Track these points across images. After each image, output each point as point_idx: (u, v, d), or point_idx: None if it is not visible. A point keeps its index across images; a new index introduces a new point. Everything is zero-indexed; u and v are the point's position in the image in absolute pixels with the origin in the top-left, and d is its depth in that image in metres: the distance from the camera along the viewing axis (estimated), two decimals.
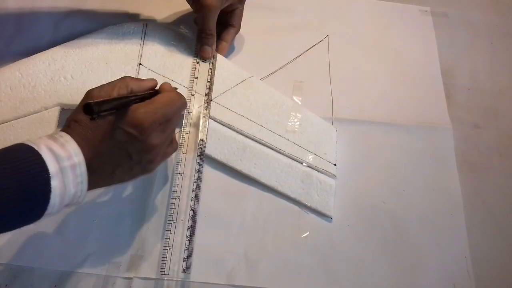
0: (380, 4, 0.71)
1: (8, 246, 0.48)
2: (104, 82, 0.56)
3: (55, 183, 0.36)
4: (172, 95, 0.45)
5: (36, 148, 0.36)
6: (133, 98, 0.42)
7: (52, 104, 0.55)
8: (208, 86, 0.58)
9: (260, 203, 0.53)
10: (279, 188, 0.53)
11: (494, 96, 0.64)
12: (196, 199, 0.51)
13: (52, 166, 0.36)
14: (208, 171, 0.54)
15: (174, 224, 0.50)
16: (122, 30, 0.61)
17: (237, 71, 0.60)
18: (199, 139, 0.54)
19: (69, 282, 0.47)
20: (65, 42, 0.60)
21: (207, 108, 0.56)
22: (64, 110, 0.55)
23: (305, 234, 0.51)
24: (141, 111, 0.41)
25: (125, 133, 0.40)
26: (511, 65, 0.67)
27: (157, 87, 0.47)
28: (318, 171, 0.54)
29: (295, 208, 0.53)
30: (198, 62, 0.60)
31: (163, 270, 0.47)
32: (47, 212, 0.37)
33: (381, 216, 0.53)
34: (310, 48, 0.65)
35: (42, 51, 0.58)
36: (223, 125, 0.55)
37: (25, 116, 0.54)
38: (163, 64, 0.59)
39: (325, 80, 0.62)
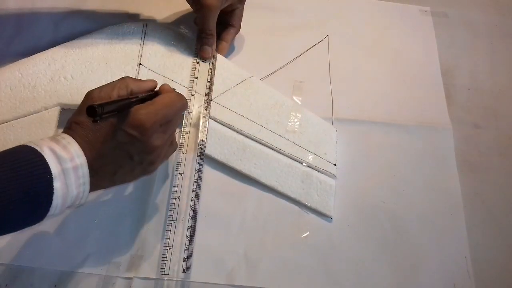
0: (380, 4, 0.71)
1: (8, 246, 0.48)
2: (104, 82, 0.56)
3: (57, 184, 0.37)
4: (172, 96, 0.45)
5: (38, 149, 0.37)
6: (134, 100, 0.42)
7: (52, 104, 0.55)
8: (208, 86, 0.58)
9: (260, 203, 0.53)
10: (279, 188, 0.53)
11: (494, 96, 0.64)
12: (196, 199, 0.51)
13: (54, 167, 0.36)
14: (208, 171, 0.54)
15: (174, 224, 0.50)
16: (122, 30, 0.61)
17: (237, 71, 0.60)
18: (199, 139, 0.54)
19: (69, 282, 0.47)
20: (65, 42, 0.60)
21: (207, 108, 0.56)
22: (64, 110, 0.55)
23: (305, 234, 0.51)
24: (142, 113, 0.41)
25: (126, 134, 0.41)
26: (511, 65, 0.67)
27: (157, 88, 0.47)
28: (318, 171, 0.54)
29: (295, 208, 0.53)
30: (198, 62, 0.60)
31: (163, 270, 0.47)
32: (49, 213, 0.37)
33: (381, 216, 0.53)
34: (310, 48, 0.65)
35: (42, 51, 0.58)
36: (223, 125, 0.55)
37: (25, 116, 0.54)
38: (163, 64, 0.59)
39: (325, 80, 0.62)
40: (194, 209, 0.51)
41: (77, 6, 0.66)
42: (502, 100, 0.64)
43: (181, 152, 0.53)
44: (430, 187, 0.55)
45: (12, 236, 0.48)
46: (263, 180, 0.53)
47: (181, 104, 0.46)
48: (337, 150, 0.56)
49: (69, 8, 0.66)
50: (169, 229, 0.49)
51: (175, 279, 0.47)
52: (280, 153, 0.55)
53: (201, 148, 0.54)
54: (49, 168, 0.36)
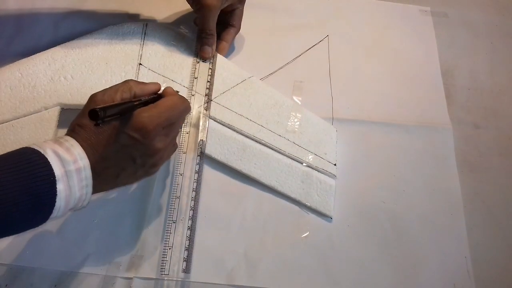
0: (380, 4, 0.71)
1: (8, 246, 0.48)
2: (104, 82, 0.56)
3: (60, 186, 0.37)
4: (175, 99, 0.45)
5: (42, 151, 0.37)
6: (136, 103, 0.42)
7: (52, 104, 0.55)
8: (208, 86, 0.58)
9: (260, 203, 0.53)
10: (279, 188, 0.53)
11: (494, 96, 0.64)
12: (196, 199, 0.51)
13: (57, 169, 0.37)
14: (208, 171, 0.54)
15: (174, 224, 0.50)
16: (122, 30, 0.61)
17: (237, 71, 0.60)
18: (199, 139, 0.54)
19: (69, 282, 0.47)
20: (65, 42, 0.60)
21: (207, 108, 0.56)
22: (64, 110, 0.55)
23: (305, 234, 0.51)
24: (145, 115, 0.41)
25: (129, 137, 0.41)
26: (511, 65, 0.67)
27: (160, 91, 0.47)
28: (318, 171, 0.54)
29: (295, 208, 0.53)
30: (198, 62, 0.60)
31: (163, 270, 0.47)
32: (52, 215, 0.38)
33: (381, 216, 0.53)
34: (310, 48, 0.65)
35: (42, 51, 0.58)
36: (223, 125, 0.55)
37: (25, 116, 0.54)
38: (163, 64, 0.59)
39: (325, 80, 0.62)
40: (194, 209, 0.51)
41: (77, 6, 0.66)
42: (502, 100, 0.64)
43: (181, 152, 0.53)
44: (430, 187, 0.55)
45: (12, 237, 0.48)
46: (263, 180, 0.53)
47: (184, 107, 0.46)
48: (337, 150, 0.56)
49: (69, 8, 0.66)
50: (169, 229, 0.49)
51: (175, 279, 0.47)
52: (280, 153, 0.55)
53: (201, 148, 0.54)
54: (53, 170, 0.36)
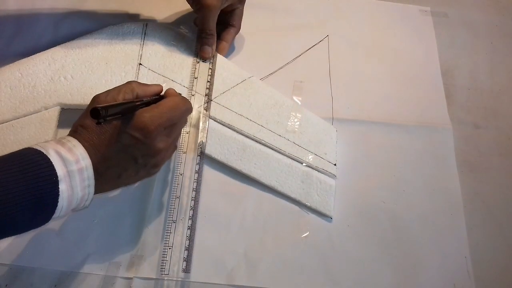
0: (380, 4, 0.71)
1: (8, 246, 0.48)
2: (104, 82, 0.56)
3: (63, 186, 0.37)
4: (177, 100, 0.46)
5: (44, 152, 0.37)
6: (138, 103, 0.42)
7: (52, 104, 0.55)
8: (208, 86, 0.58)
9: (260, 203, 0.52)
10: (279, 188, 0.53)
11: (494, 96, 0.64)
12: (196, 199, 0.51)
13: (60, 170, 0.37)
14: (208, 171, 0.54)
15: (174, 223, 0.50)
16: (122, 30, 0.61)
17: (237, 71, 0.60)
18: (199, 139, 0.54)
19: (69, 282, 0.47)
20: (65, 42, 0.60)
21: (207, 108, 0.56)
22: (64, 110, 0.55)
23: (305, 234, 0.51)
24: (147, 115, 0.41)
25: (130, 137, 0.41)
26: (511, 65, 0.67)
27: (163, 93, 0.47)
28: (318, 171, 0.54)
29: (295, 208, 0.53)
30: (198, 62, 0.60)
31: (163, 270, 0.47)
32: (54, 215, 0.38)
33: (381, 216, 0.53)
34: (310, 48, 0.65)
35: (42, 51, 0.58)
36: (223, 125, 0.55)
37: (25, 116, 0.54)
38: (163, 64, 0.59)
39: (325, 80, 0.62)
40: (194, 209, 0.51)
41: (77, 6, 0.66)
42: (502, 100, 0.64)
43: (181, 152, 0.53)
44: (430, 187, 0.55)
45: (13, 237, 0.48)
46: (263, 180, 0.53)
47: (186, 108, 0.46)
48: (337, 150, 0.56)
49: (69, 8, 0.66)
50: (169, 229, 0.49)
51: (175, 279, 0.47)
52: (280, 153, 0.55)
53: (201, 148, 0.54)
54: (55, 170, 0.36)
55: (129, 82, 0.45)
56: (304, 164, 0.54)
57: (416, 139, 0.58)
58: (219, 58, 0.60)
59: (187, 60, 0.60)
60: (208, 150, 0.54)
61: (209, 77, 0.59)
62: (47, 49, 0.59)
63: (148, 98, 0.45)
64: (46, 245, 0.48)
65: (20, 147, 0.51)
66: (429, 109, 0.61)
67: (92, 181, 0.39)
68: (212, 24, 0.58)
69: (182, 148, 0.54)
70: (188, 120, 0.55)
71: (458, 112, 0.62)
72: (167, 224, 0.50)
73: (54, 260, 0.48)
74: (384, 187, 0.55)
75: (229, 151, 0.54)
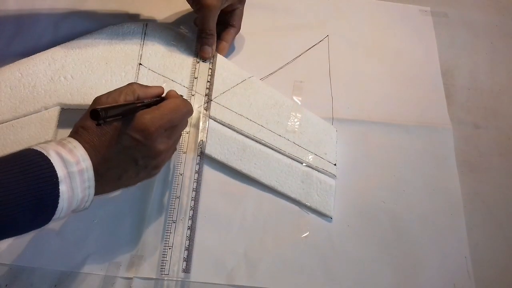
0: (380, 4, 0.71)
1: (8, 246, 0.48)
2: (104, 82, 0.56)
3: (63, 187, 0.37)
4: (178, 102, 0.46)
5: (45, 153, 0.37)
6: (139, 104, 0.42)
7: (52, 104, 0.55)
8: (208, 86, 0.58)
9: (260, 203, 0.52)
10: (279, 188, 0.53)
11: (494, 96, 0.64)
12: (196, 199, 0.51)
13: (60, 171, 0.37)
14: (208, 171, 0.54)
15: (174, 224, 0.50)
16: (122, 30, 0.61)
17: (237, 71, 0.60)
18: (199, 139, 0.54)
19: (69, 282, 0.47)
20: (65, 42, 0.60)
21: (207, 108, 0.56)
22: (64, 110, 0.55)
23: (305, 234, 0.51)
24: (147, 117, 0.42)
25: (131, 138, 0.41)
26: (511, 65, 0.67)
27: (164, 94, 0.47)
28: (318, 171, 0.54)
29: (295, 208, 0.53)
30: (198, 62, 0.60)
31: (163, 270, 0.47)
32: (55, 217, 0.38)
33: (381, 216, 0.53)
34: (310, 48, 0.65)
35: (42, 51, 0.58)
36: (223, 125, 0.55)
37: (25, 116, 0.54)
38: (163, 64, 0.59)
39: (325, 80, 0.62)
40: (194, 209, 0.51)
41: (77, 6, 0.66)
42: (502, 100, 0.64)
43: (181, 152, 0.53)
44: (430, 187, 0.55)
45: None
46: (263, 180, 0.53)
47: (187, 109, 0.46)
48: (337, 150, 0.56)
49: (69, 8, 0.66)
50: (169, 229, 0.49)
51: (175, 279, 0.47)
52: (280, 153, 0.55)
53: (201, 148, 0.54)
54: (55, 171, 0.37)
55: (130, 84, 0.45)
56: (304, 164, 0.54)
57: (416, 139, 0.58)
58: (219, 58, 0.60)
59: (187, 60, 0.60)
60: (208, 150, 0.54)
61: (209, 77, 0.59)
62: (47, 49, 0.59)
63: (149, 100, 0.45)
64: (46, 245, 0.48)
65: (20, 147, 0.51)
66: (429, 109, 0.61)
67: (92, 183, 0.40)
68: (212, 24, 0.58)
69: (182, 148, 0.54)
70: (188, 120, 0.55)
71: (458, 112, 0.62)
72: (167, 224, 0.50)
73: (54, 260, 0.48)
74: (384, 187, 0.55)
75: (229, 151, 0.54)
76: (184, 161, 0.53)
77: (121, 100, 0.43)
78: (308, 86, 0.61)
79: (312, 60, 0.64)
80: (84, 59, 0.58)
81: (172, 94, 0.47)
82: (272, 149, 0.55)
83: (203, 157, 0.54)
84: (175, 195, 0.51)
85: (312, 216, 0.52)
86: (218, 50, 0.61)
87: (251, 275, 0.48)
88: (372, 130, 0.59)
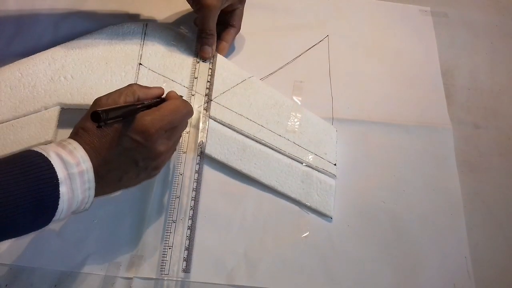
0: (380, 4, 0.71)
1: (9, 246, 0.48)
2: (104, 82, 0.56)
3: (63, 189, 0.37)
4: (178, 103, 0.46)
5: (45, 154, 0.37)
6: (139, 106, 0.43)
7: (52, 103, 0.55)
8: (208, 86, 0.58)
9: (260, 203, 0.52)
10: (279, 188, 0.53)
11: (494, 96, 0.64)
12: (196, 199, 0.51)
13: (60, 172, 0.37)
14: (208, 171, 0.54)
15: (174, 223, 0.50)
16: (122, 30, 0.61)
17: (237, 71, 0.60)
18: (199, 139, 0.54)
19: (69, 282, 0.47)
20: (65, 42, 0.60)
21: (207, 108, 0.56)
22: (64, 109, 0.55)
23: (305, 234, 0.51)
24: (147, 118, 0.42)
25: (131, 140, 0.41)
26: (511, 65, 0.67)
27: (164, 95, 0.47)
28: (318, 171, 0.54)
29: (295, 208, 0.53)
30: (198, 62, 0.60)
31: (163, 269, 0.47)
32: (55, 218, 0.38)
33: (381, 216, 0.53)
34: (310, 48, 0.65)
35: (42, 51, 0.58)
36: (223, 125, 0.55)
37: (25, 116, 0.54)
38: (163, 64, 0.59)
39: (325, 80, 0.62)
40: (194, 208, 0.51)
41: (77, 6, 0.66)
42: (502, 100, 0.64)
43: (181, 152, 0.53)
44: (430, 187, 0.55)
45: None
46: (263, 180, 0.53)
47: (187, 110, 0.46)
48: (337, 150, 0.56)
49: (69, 8, 0.66)
50: (169, 229, 0.49)
51: (175, 279, 0.47)
52: (280, 153, 0.55)
53: (201, 148, 0.54)
54: (56, 173, 0.37)
55: (130, 85, 0.45)
56: (304, 164, 0.54)
57: (416, 139, 0.58)
58: (219, 58, 0.60)
59: (187, 60, 0.60)
60: (208, 150, 0.54)
61: (209, 77, 0.59)
62: (47, 49, 0.59)
63: (149, 101, 0.45)
64: (46, 245, 0.48)
65: (20, 147, 0.51)
66: (429, 109, 0.61)
67: (92, 184, 0.40)
68: (212, 24, 0.58)
69: (182, 148, 0.54)
70: (188, 121, 0.55)
71: (458, 112, 0.62)
72: (167, 224, 0.50)
73: (54, 260, 0.48)
74: (384, 187, 0.55)
75: (229, 151, 0.54)
76: (184, 161, 0.53)
77: (121, 102, 0.43)
78: (308, 86, 0.61)
79: (312, 60, 0.64)
80: (84, 59, 0.58)
81: (172, 95, 0.47)
82: (272, 149, 0.55)
83: (203, 157, 0.54)
84: (175, 195, 0.51)
85: (312, 216, 0.52)
86: (218, 50, 0.61)
87: (251, 275, 0.48)
88: (372, 130, 0.59)
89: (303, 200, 0.53)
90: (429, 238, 0.52)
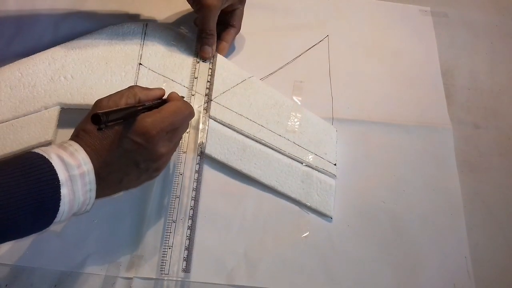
0: (380, 4, 0.71)
1: (9, 246, 0.48)
2: (104, 82, 0.56)
3: (64, 191, 0.37)
4: (179, 104, 0.45)
5: (46, 156, 0.37)
6: (140, 107, 0.42)
7: (52, 103, 0.55)
8: (208, 86, 0.58)
9: (260, 203, 0.52)
10: (279, 188, 0.53)
11: (494, 96, 0.64)
12: (196, 199, 0.51)
13: (62, 174, 0.37)
14: (208, 171, 0.54)
15: (174, 223, 0.50)
16: (122, 30, 0.61)
17: (237, 71, 0.60)
18: (199, 139, 0.54)
19: (69, 282, 0.47)
20: (65, 42, 0.60)
21: (207, 108, 0.56)
22: (64, 109, 0.55)
23: (305, 234, 0.51)
24: (148, 120, 0.42)
25: (132, 142, 0.41)
26: (511, 65, 0.67)
27: (165, 96, 0.47)
28: (318, 171, 0.54)
29: (295, 208, 0.53)
30: (198, 62, 0.60)
31: (163, 269, 0.47)
32: (56, 220, 0.38)
33: (381, 216, 0.53)
34: (310, 48, 0.65)
35: (42, 51, 0.58)
36: (223, 125, 0.55)
37: (25, 116, 0.54)
38: (163, 64, 0.59)
39: (325, 80, 0.62)
40: (194, 208, 0.51)
41: (77, 6, 0.66)
42: (502, 100, 0.64)
43: (181, 152, 0.53)
44: (430, 187, 0.55)
45: None
46: (263, 180, 0.53)
47: (188, 112, 0.46)
48: (337, 150, 0.56)
49: (69, 8, 0.66)
50: (169, 228, 0.49)
51: (175, 279, 0.47)
52: (280, 153, 0.55)
53: (201, 148, 0.54)
54: (57, 174, 0.37)
55: (131, 87, 0.45)
56: (304, 164, 0.54)
57: (416, 139, 0.58)
58: (219, 58, 0.60)
59: (187, 60, 0.60)
60: (208, 150, 0.54)
61: (209, 77, 0.59)
62: (47, 49, 0.59)
63: (150, 103, 0.45)
64: (46, 245, 0.48)
65: (20, 147, 0.51)
66: (429, 109, 0.61)
67: (93, 186, 0.40)
68: (212, 24, 0.58)
69: (182, 148, 0.54)
70: (189, 122, 0.55)
71: (458, 112, 0.62)
72: (167, 224, 0.50)
73: (54, 260, 0.48)
74: (384, 187, 0.55)
75: (229, 151, 0.54)
76: (184, 161, 0.53)
77: (123, 103, 0.42)
78: (308, 86, 0.61)
79: (312, 60, 0.64)
80: (84, 59, 0.58)
81: (173, 97, 0.47)
82: (272, 149, 0.55)
83: (203, 157, 0.54)
84: (175, 195, 0.51)
85: (312, 216, 0.52)
86: (218, 50, 0.61)
87: (251, 275, 0.48)
88: (372, 130, 0.59)
89: (303, 200, 0.53)
90: (429, 238, 0.52)
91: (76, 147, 0.39)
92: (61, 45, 0.59)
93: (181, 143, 0.54)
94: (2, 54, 0.60)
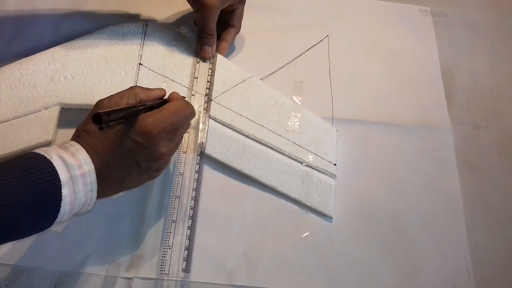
0: (380, 4, 0.71)
1: (9, 246, 0.48)
2: (104, 82, 0.56)
3: (65, 191, 0.37)
4: (180, 104, 0.46)
5: (47, 156, 0.37)
6: (141, 107, 0.42)
7: (52, 103, 0.55)
8: (208, 86, 0.58)
9: (260, 203, 0.52)
10: (279, 188, 0.53)
11: (494, 96, 0.64)
12: (196, 199, 0.51)
13: (63, 174, 0.37)
14: (208, 171, 0.54)
15: (174, 223, 0.50)
16: (122, 30, 0.61)
17: (237, 71, 0.60)
18: (199, 139, 0.54)
19: (69, 282, 0.47)
20: (65, 42, 0.60)
21: (207, 108, 0.56)
22: (64, 109, 0.55)
23: (305, 234, 0.51)
24: (149, 120, 0.42)
25: (133, 142, 0.41)
26: (511, 65, 0.67)
27: (166, 96, 0.47)
28: (318, 171, 0.54)
29: (295, 208, 0.53)
30: (198, 62, 0.60)
31: (163, 269, 0.47)
32: (57, 220, 0.38)
33: (381, 216, 0.53)
34: (310, 48, 0.65)
35: (42, 51, 0.58)
36: (223, 125, 0.55)
37: (25, 116, 0.54)
38: (163, 64, 0.59)
39: (325, 80, 0.62)
40: (194, 208, 0.51)
41: (77, 6, 0.66)
42: (502, 100, 0.64)
43: (181, 152, 0.53)
44: (430, 187, 0.55)
45: None
46: (263, 180, 0.53)
47: (189, 112, 0.46)
48: (337, 150, 0.56)
49: (69, 8, 0.66)
50: (169, 228, 0.49)
51: (175, 279, 0.47)
52: (280, 153, 0.55)
53: (201, 148, 0.54)
54: (58, 175, 0.37)
55: (132, 87, 0.45)
56: (304, 164, 0.54)
57: (416, 139, 0.58)
58: (219, 58, 0.60)
59: (187, 60, 0.60)
60: (208, 150, 0.54)
61: (209, 77, 0.59)
62: (47, 49, 0.59)
63: (151, 103, 0.45)
64: (46, 245, 0.48)
65: (20, 147, 0.51)
66: (429, 109, 0.61)
67: (94, 186, 0.40)
68: (212, 24, 0.58)
69: (182, 148, 0.54)
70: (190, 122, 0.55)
71: (458, 112, 0.62)
72: (167, 224, 0.50)
73: (54, 260, 0.48)
74: (384, 187, 0.55)
75: (229, 151, 0.54)
76: (184, 161, 0.53)
77: (123, 104, 0.43)
78: (308, 86, 0.61)
79: (312, 60, 0.64)
80: (84, 59, 0.58)
81: (174, 97, 0.47)
82: (272, 149, 0.55)
83: (203, 157, 0.54)
84: (175, 195, 0.51)
85: (312, 216, 0.52)
86: (218, 50, 0.61)
87: (251, 275, 0.48)
88: (372, 130, 0.59)
89: (303, 200, 0.53)
90: (429, 238, 0.52)
91: (77, 147, 0.39)
92: (61, 45, 0.59)
93: (181, 143, 0.54)
94: (2, 54, 0.60)
